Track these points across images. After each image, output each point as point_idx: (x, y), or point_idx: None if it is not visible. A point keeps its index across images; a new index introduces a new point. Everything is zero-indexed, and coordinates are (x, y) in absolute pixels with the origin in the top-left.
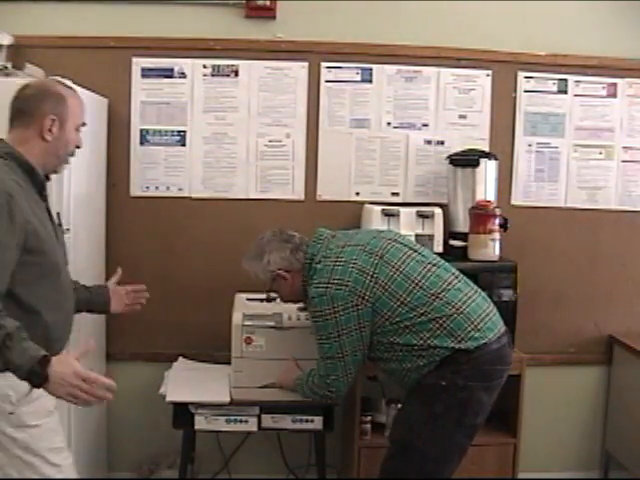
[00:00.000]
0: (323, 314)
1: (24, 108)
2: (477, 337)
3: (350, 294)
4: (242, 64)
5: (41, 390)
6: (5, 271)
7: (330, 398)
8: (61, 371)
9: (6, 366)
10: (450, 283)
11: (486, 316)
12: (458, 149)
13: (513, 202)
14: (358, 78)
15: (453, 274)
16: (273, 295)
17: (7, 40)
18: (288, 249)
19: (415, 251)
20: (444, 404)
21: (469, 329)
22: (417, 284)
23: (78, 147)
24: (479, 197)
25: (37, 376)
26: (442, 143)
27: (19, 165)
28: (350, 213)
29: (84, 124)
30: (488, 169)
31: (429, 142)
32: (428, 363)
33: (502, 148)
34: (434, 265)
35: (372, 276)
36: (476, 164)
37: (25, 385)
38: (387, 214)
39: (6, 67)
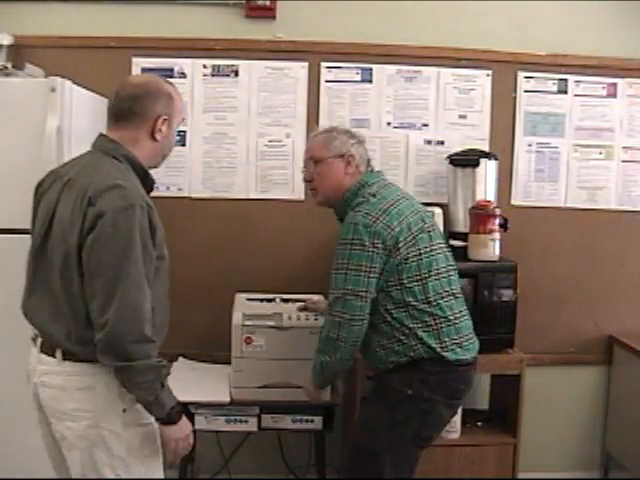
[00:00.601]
0: (361, 244)
1: (135, 109)
2: (457, 352)
3: (391, 239)
4: (242, 64)
5: None
6: (150, 282)
7: (338, 350)
8: (187, 425)
9: (152, 402)
10: (457, 293)
11: (470, 338)
12: (458, 149)
13: (513, 202)
14: (358, 78)
15: (461, 288)
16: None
17: (7, 40)
18: (368, 157)
19: (447, 247)
20: (406, 412)
21: (455, 342)
22: (438, 274)
23: None
24: (479, 197)
25: (175, 417)
26: (442, 143)
27: (134, 168)
28: None
29: (183, 119)
30: (488, 169)
31: (429, 142)
32: (402, 352)
33: (502, 148)
34: (453, 269)
35: (414, 238)
36: (476, 164)
37: None
38: None
39: (6, 67)
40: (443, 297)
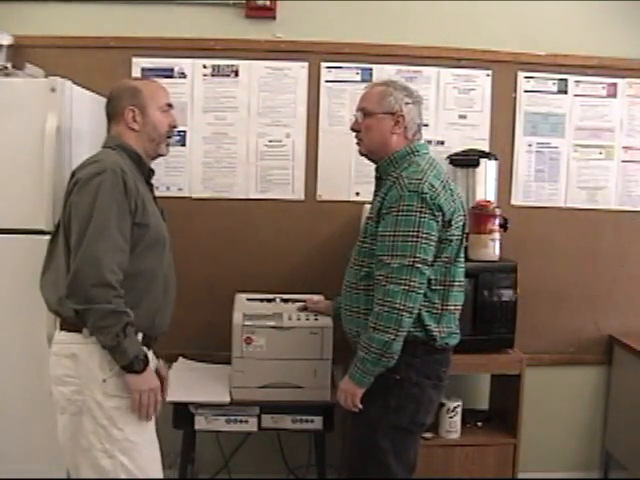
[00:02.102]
0: (431, 214)
1: (110, 110)
2: (445, 339)
3: (450, 215)
4: (242, 64)
5: None
6: (127, 238)
7: (401, 323)
8: (151, 373)
9: (115, 347)
10: (463, 286)
11: (457, 328)
12: (458, 149)
13: (513, 202)
14: (358, 78)
15: None
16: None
17: (7, 40)
18: (420, 120)
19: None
20: (399, 400)
21: (451, 331)
22: (458, 262)
23: (174, 127)
24: (479, 197)
25: (138, 366)
26: (442, 143)
27: (128, 155)
28: (350, 213)
29: (169, 105)
30: (488, 169)
31: (429, 142)
32: None
33: (502, 148)
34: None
35: (461, 220)
36: (476, 164)
37: None
38: None
39: (6, 67)
40: (455, 286)
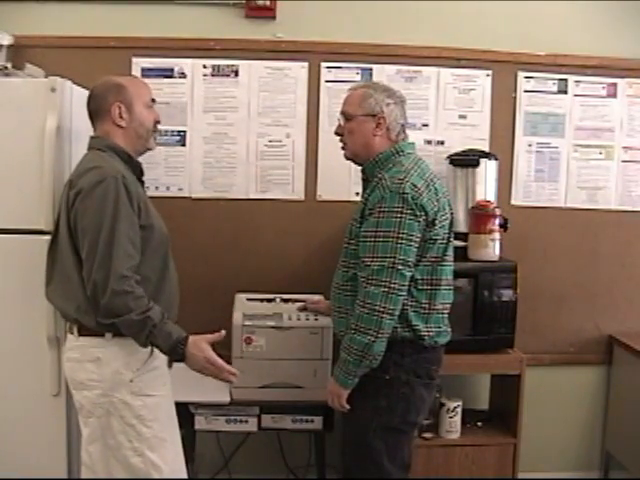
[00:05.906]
0: (413, 214)
1: (95, 107)
2: (434, 337)
3: (433, 214)
4: (242, 64)
5: (157, 362)
6: (136, 245)
7: (381, 325)
8: (194, 354)
9: (152, 344)
10: (452, 285)
11: (447, 327)
12: (458, 149)
13: (513, 202)
14: (358, 78)
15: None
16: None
17: (7, 40)
18: (404, 120)
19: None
20: (389, 400)
21: (438, 330)
22: (446, 262)
23: (158, 122)
24: (479, 197)
25: (177, 355)
26: (442, 143)
27: (118, 156)
28: (350, 213)
29: (153, 100)
30: (488, 169)
31: (429, 142)
32: None
33: (502, 148)
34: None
35: (446, 219)
36: (476, 164)
37: (143, 354)
38: None
39: (6, 67)
40: (442, 285)
